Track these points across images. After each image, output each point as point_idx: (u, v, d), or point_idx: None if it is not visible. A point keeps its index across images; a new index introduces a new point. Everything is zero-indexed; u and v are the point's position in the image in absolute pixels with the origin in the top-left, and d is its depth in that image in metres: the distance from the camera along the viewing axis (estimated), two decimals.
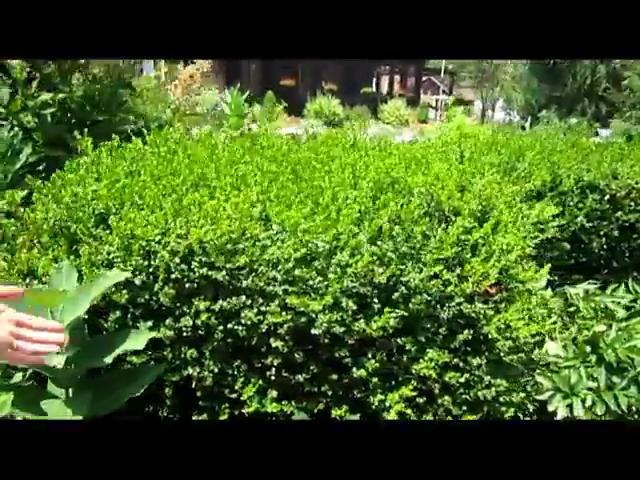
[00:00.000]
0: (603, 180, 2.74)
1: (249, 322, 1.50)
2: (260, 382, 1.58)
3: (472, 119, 18.42)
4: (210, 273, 1.49)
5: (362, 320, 1.52)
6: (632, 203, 2.75)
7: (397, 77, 20.95)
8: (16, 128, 2.39)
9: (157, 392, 1.58)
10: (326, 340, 1.51)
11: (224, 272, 1.50)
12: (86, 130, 2.04)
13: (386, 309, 1.53)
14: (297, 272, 1.48)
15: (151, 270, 1.50)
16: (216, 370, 1.57)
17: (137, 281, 1.48)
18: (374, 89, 19.79)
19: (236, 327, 1.52)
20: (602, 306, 2.30)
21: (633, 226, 2.77)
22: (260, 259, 1.50)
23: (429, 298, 1.56)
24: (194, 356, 1.54)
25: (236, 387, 1.57)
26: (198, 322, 1.51)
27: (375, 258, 1.51)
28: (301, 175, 1.92)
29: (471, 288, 1.62)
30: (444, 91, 22.60)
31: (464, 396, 1.68)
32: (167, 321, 1.53)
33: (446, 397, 1.66)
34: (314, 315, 1.48)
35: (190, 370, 1.55)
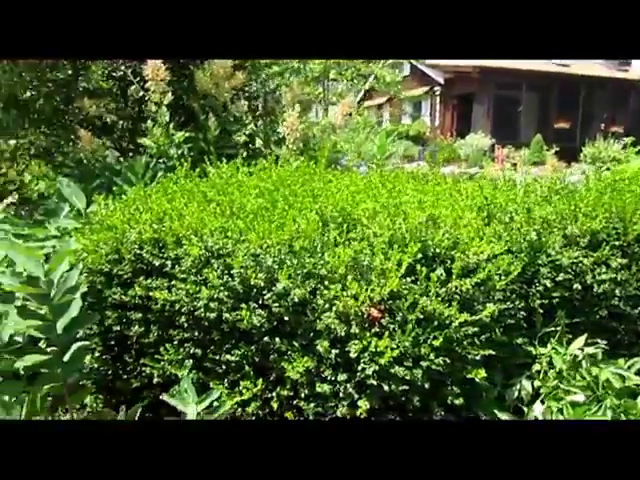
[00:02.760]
0: None
1: (166, 300, 1.97)
2: (180, 350, 2.02)
3: None
4: (149, 258, 2.03)
5: (235, 313, 1.83)
6: None
7: None
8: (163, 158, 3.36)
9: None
10: (205, 323, 1.88)
11: (162, 260, 2.02)
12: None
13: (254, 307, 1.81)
14: (195, 267, 1.91)
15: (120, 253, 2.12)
16: (156, 334, 2.07)
17: (110, 256, 2.12)
18: None
19: (164, 303, 2.01)
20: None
21: None
22: (183, 255, 1.97)
23: (291, 304, 1.77)
24: (138, 318, 2.08)
25: (161, 349, 2.04)
26: (141, 293, 2.05)
27: (250, 266, 1.81)
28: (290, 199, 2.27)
29: (342, 307, 1.75)
30: None
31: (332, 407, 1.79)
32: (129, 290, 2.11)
33: (312, 405, 1.80)
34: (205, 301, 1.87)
35: (135, 328, 2.09)
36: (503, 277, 2.00)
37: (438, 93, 17.01)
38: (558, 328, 2.22)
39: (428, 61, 15.77)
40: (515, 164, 13.02)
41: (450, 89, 16.71)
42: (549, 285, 2.21)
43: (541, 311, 2.26)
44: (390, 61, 13.43)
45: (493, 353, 1.89)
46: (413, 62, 15.15)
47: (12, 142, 4.12)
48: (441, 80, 16.38)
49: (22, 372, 2.02)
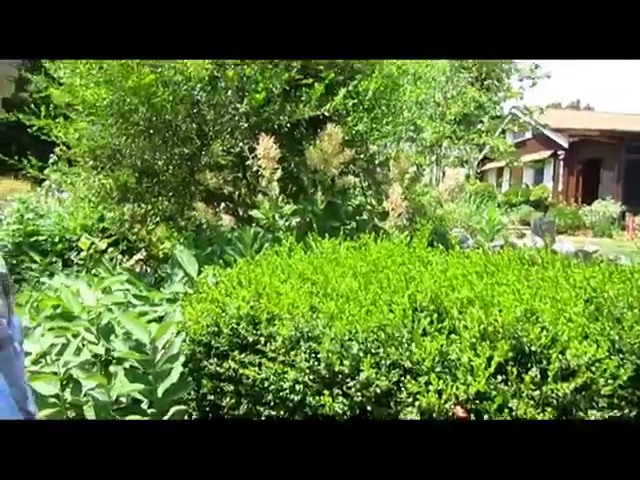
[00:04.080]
0: None
1: (255, 377, 2.04)
2: None
3: None
4: (244, 333, 2.13)
5: (320, 397, 1.85)
6: None
7: None
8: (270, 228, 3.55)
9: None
10: (290, 405, 1.91)
11: (255, 336, 2.11)
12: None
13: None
14: (284, 347, 1.97)
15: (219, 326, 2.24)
16: (245, 407, 2.15)
17: (210, 328, 2.25)
18: None
19: (255, 379, 2.08)
20: None
21: None
22: (275, 333, 2.05)
23: (374, 395, 1.76)
24: (231, 390, 2.17)
25: None
26: (235, 367, 2.14)
27: (335, 352, 1.84)
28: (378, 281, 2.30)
29: (426, 403, 1.70)
30: None
31: None
32: (224, 362, 2.22)
33: None
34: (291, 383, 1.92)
35: (227, 400, 2.18)
36: (610, 381, 1.83)
37: (562, 157, 16.29)
38: None
39: (552, 125, 15.26)
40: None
41: (575, 153, 15.92)
42: None
43: None
44: (507, 126, 13.24)
45: None
46: (535, 125, 14.72)
47: (144, 206, 4.60)
48: (565, 144, 15.70)
49: None
